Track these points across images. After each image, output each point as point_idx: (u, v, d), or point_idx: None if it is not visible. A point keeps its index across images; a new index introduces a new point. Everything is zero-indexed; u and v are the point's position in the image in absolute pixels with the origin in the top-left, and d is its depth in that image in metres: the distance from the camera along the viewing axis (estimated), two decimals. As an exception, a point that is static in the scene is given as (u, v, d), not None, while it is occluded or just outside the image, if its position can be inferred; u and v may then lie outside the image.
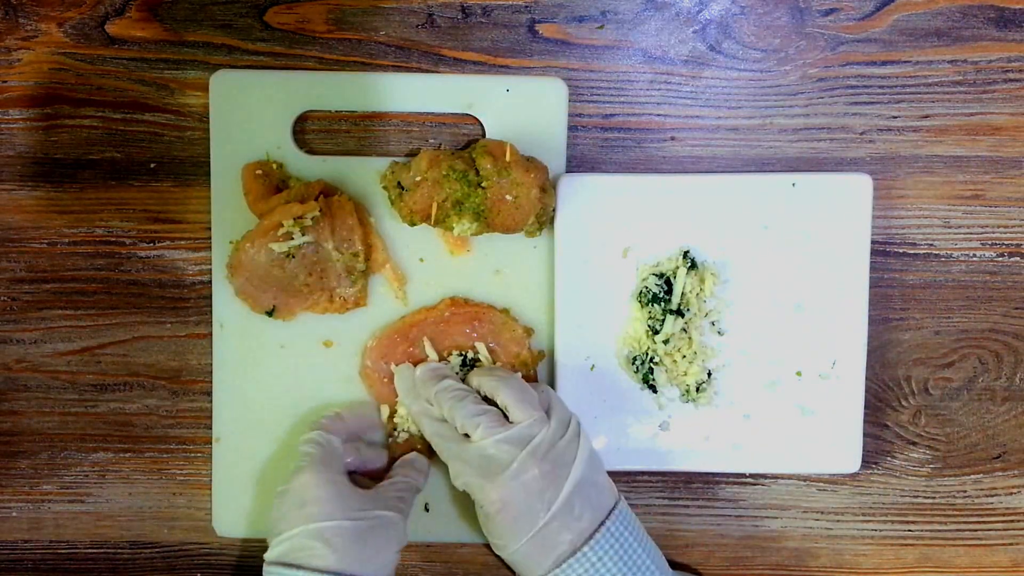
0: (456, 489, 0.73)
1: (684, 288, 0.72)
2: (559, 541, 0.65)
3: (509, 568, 0.70)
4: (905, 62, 0.74)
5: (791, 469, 0.75)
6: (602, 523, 0.66)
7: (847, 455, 0.73)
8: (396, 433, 0.74)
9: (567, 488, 0.65)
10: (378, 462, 0.73)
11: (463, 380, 0.71)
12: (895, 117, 0.74)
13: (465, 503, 0.75)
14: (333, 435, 0.70)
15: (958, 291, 0.76)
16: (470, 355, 0.73)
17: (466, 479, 0.67)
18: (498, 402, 0.68)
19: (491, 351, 0.73)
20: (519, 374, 0.71)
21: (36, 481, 0.77)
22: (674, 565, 0.76)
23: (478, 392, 0.70)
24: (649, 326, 0.73)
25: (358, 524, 0.66)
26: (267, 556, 0.67)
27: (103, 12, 0.73)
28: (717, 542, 0.77)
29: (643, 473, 0.76)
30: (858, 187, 0.72)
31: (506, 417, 0.68)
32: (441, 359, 0.73)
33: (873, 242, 0.73)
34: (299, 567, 0.64)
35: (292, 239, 0.69)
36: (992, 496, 0.77)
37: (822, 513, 0.77)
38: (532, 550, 0.66)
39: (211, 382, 0.74)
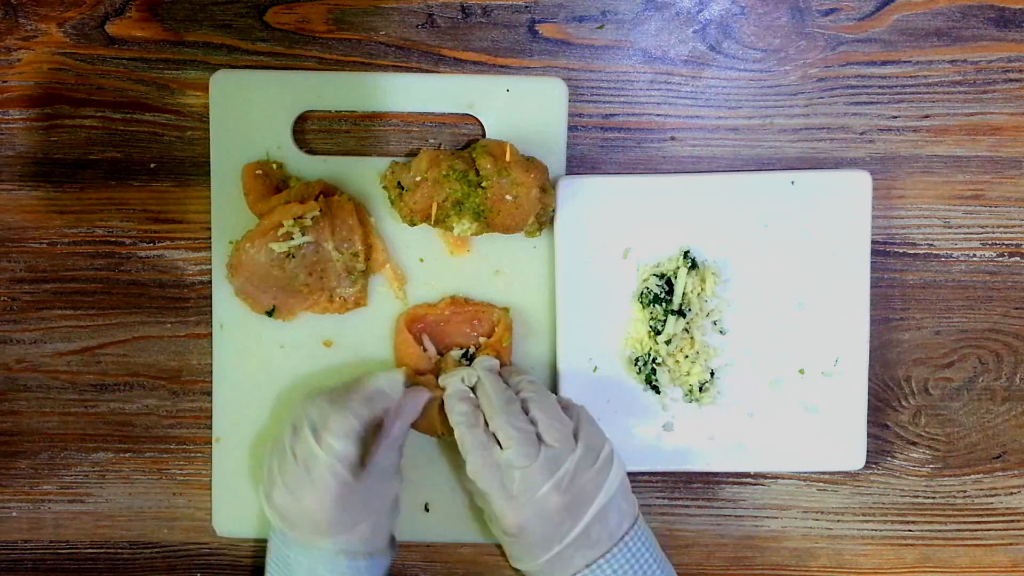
0: (456, 490, 0.73)
1: (685, 288, 0.72)
2: (573, 563, 0.66)
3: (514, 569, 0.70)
4: (905, 62, 0.74)
5: (796, 467, 0.75)
6: (621, 538, 0.66)
7: (851, 452, 0.74)
8: None
9: (585, 520, 0.65)
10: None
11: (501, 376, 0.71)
12: (895, 117, 0.74)
13: (465, 503, 0.75)
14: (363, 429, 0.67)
15: (958, 291, 0.76)
16: (471, 351, 0.73)
17: (486, 485, 0.66)
18: (530, 415, 0.67)
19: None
20: (554, 396, 0.70)
21: (36, 481, 0.77)
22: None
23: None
24: (651, 327, 0.73)
25: (369, 519, 0.67)
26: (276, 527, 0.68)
27: (103, 12, 0.73)
28: (717, 542, 0.77)
29: (643, 473, 0.76)
30: (857, 184, 0.72)
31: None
32: (441, 355, 0.73)
33: (873, 242, 0.73)
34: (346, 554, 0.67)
35: (292, 239, 0.69)
36: (992, 496, 0.77)
37: (822, 513, 0.77)
38: (546, 567, 0.66)
39: (211, 382, 0.74)
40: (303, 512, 0.66)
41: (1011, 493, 0.77)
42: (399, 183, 0.69)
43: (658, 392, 0.74)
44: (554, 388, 0.73)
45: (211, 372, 0.74)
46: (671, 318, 0.72)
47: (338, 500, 0.65)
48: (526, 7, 0.73)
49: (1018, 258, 0.75)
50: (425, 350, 0.73)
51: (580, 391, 0.73)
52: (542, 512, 0.65)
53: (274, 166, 0.72)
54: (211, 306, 0.74)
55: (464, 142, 0.74)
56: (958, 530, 0.77)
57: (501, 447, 0.65)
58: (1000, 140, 0.74)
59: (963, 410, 0.77)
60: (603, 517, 0.66)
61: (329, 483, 0.64)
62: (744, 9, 0.73)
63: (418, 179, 0.68)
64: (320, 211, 0.69)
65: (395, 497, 0.70)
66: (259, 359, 0.74)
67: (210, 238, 0.74)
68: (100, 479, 0.77)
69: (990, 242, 0.75)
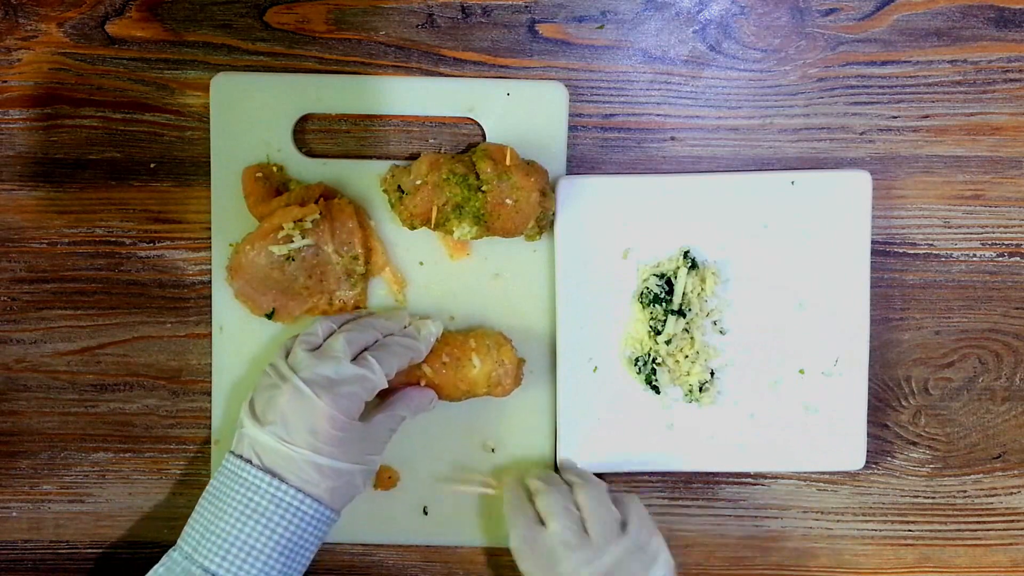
0: (455, 494, 0.73)
1: (685, 288, 0.72)
2: None
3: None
4: (905, 62, 0.74)
5: (796, 467, 0.75)
6: None
7: (852, 452, 0.74)
8: None
9: None
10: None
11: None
12: (895, 117, 0.74)
13: (464, 507, 0.75)
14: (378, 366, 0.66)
15: (958, 291, 0.76)
16: None
17: (527, 564, 0.67)
18: (576, 502, 0.68)
19: None
20: (606, 485, 0.71)
21: (36, 481, 0.77)
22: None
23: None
24: (651, 327, 0.73)
25: (353, 468, 0.65)
26: (249, 454, 0.65)
27: (103, 12, 0.73)
28: (717, 542, 0.77)
29: (643, 473, 0.76)
30: (857, 184, 0.72)
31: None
32: None
33: (873, 242, 0.73)
34: (298, 489, 0.64)
35: (292, 242, 0.69)
36: (992, 496, 0.77)
37: (822, 513, 0.77)
38: None
39: (211, 382, 0.74)
40: (307, 411, 0.63)
41: (1011, 493, 0.77)
42: (399, 187, 0.69)
43: (658, 392, 0.74)
44: (554, 389, 0.74)
45: (211, 373, 0.74)
46: (671, 318, 0.72)
47: (345, 422, 0.64)
48: (526, 7, 0.73)
49: (1018, 258, 0.75)
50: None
51: (580, 391, 0.73)
52: None
53: (274, 169, 0.72)
54: (211, 307, 0.74)
55: (464, 143, 0.74)
56: (958, 530, 0.77)
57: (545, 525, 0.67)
58: (1000, 140, 0.74)
59: (963, 410, 0.77)
60: None
61: (354, 401, 0.65)
62: (744, 9, 0.73)
63: (418, 183, 0.68)
64: (320, 214, 0.69)
65: (372, 471, 0.68)
66: (258, 362, 0.74)
67: (210, 238, 0.74)
68: (100, 479, 0.77)
69: (990, 242, 0.75)
